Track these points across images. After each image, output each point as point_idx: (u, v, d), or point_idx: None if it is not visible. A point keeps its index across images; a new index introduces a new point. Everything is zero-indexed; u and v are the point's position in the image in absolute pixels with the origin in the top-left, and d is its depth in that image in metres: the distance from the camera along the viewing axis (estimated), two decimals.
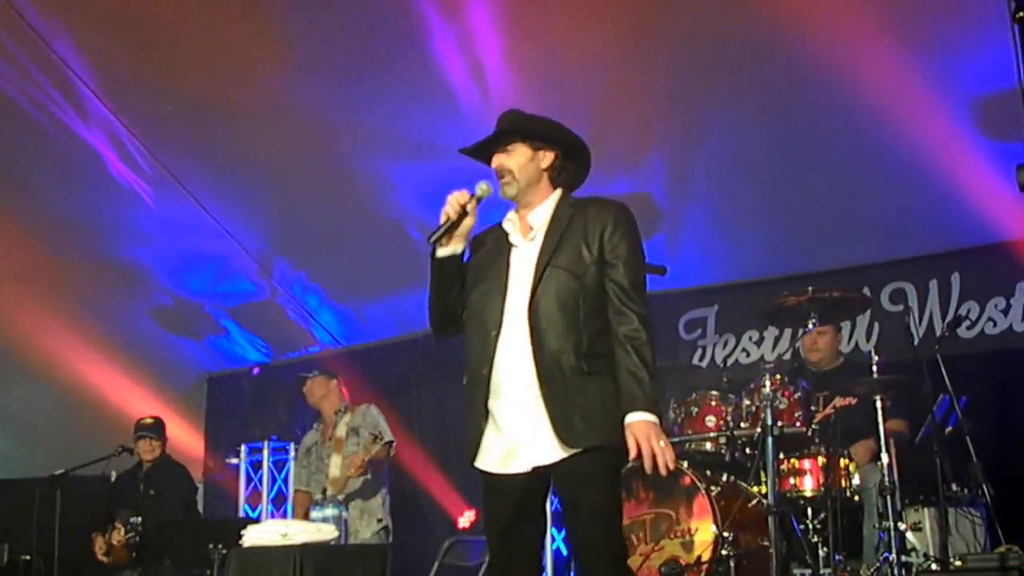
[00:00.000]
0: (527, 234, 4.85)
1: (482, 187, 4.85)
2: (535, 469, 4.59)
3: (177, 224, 10.80)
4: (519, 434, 4.63)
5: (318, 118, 9.37)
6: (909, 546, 7.35)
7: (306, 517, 8.85)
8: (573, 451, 4.50)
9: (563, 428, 4.50)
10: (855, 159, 8.79)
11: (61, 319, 11.69)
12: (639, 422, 4.44)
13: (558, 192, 4.92)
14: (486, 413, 4.72)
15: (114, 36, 8.82)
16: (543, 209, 4.88)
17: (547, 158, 4.88)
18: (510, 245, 4.87)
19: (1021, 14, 3.33)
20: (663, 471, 4.42)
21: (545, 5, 8.15)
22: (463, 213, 4.81)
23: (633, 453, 4.43)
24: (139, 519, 9.14)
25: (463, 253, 4.94)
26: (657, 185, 9.55)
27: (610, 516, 4.58)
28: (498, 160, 4.88)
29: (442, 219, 4.81)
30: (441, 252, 4.90)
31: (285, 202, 10.64)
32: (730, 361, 10.00)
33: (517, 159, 4.86)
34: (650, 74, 8.44)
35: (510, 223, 4.93)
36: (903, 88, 7.92)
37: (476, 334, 4.82)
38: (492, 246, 4.95)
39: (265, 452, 12.21)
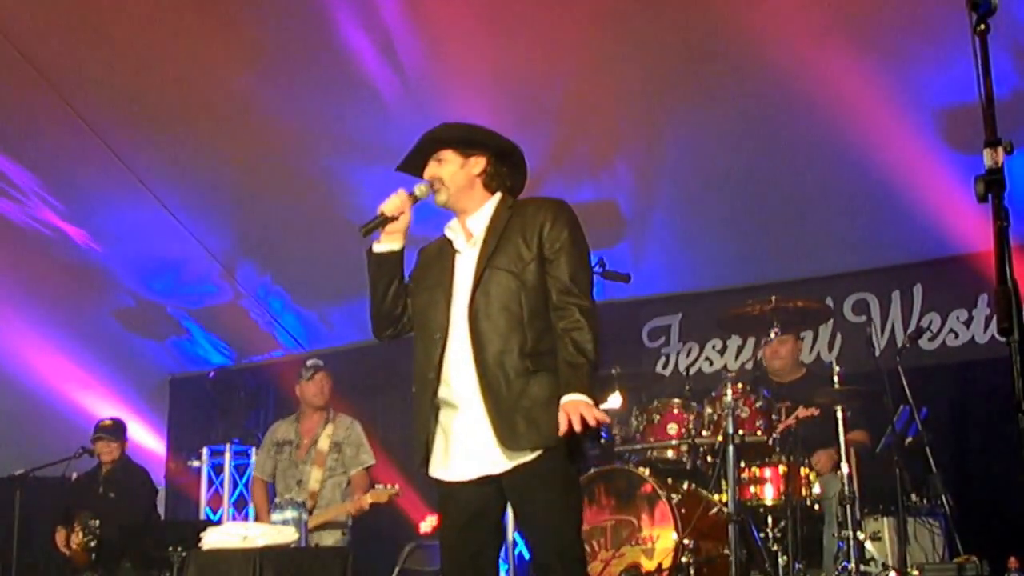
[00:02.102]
0: (469, 239, 4.83)
1: (421, 188, 4.86)
2: (483, 479, 4.56)
3: (140, 225, 10.75)
4: (465, 442, 4.61)
5: (282, 121, 9.35)
6: (868, 555, 7.40)
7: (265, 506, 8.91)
8: (519, 460, 4.47)
9: (506, 434, 4.47)
10: (819, 170, 8.83)
11: (22, 319, 11.64)
12: (569, 401, 4.39)
13: (496, 196, 4.89)
14: (435, 419, 4.70)
15: (76, 36, 8.79)
16: (482, 214, 4.85)
17: (478, 164, 4.86)
18: (454, 251, 4.85)
19: (982, 27, 3.35)
20: (592, 423, 4.37)
21: (511, 14, 8.15)
22: (400, 210, 4.81)
23: (562, 430, 4.36)
24: (97, 522, 9.05)
25: (401, 251, 4.92)
26: (622, 193, 9.58)
27: (564, 521, 4.54)
28: (429, 170, 4.87)
29: (377, 212, 4.82)
30: (377, 247, 4.91)
31: (249, 204, 10.61)
32: (693, 369, 10.04)
33: (448, 167, 4.84)
34: (616, 83, 8.46)
35: (451, 230, 4.91)
36: (868, 100, 7.96)
37: (421, 340, 4.81)
38: (437, 254, 4.93)
39: (227, 455, 12.16)
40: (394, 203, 4.82)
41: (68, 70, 9.14)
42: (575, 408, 4.36)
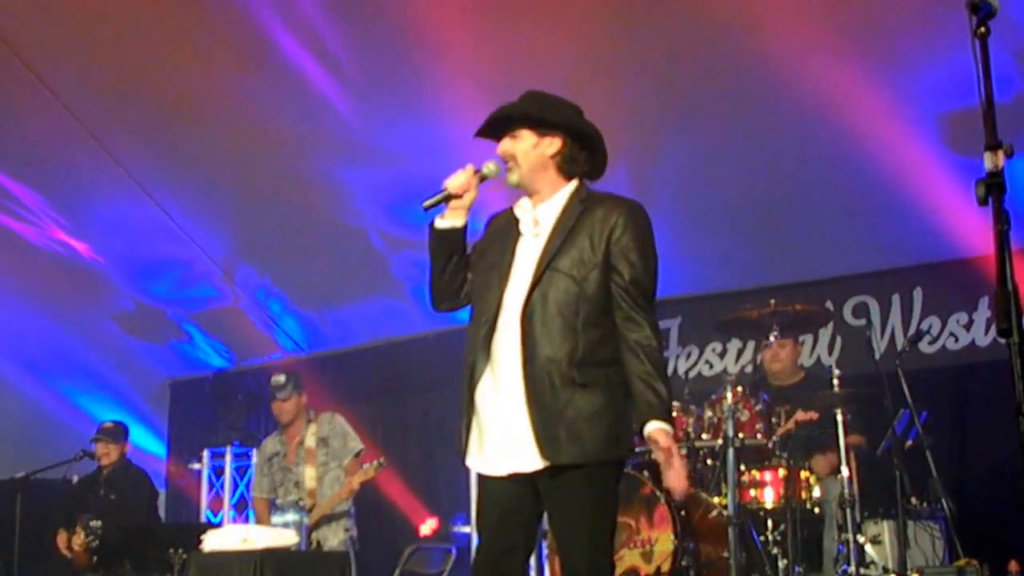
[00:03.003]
0: (535, 226, 4.62)
1: (489, 166, 4.66)
2: (514, 476, 4.42)
3: (140, 229, 10.76)
4: (500, 437, 4.46)
5: (280, 124, 9.35)
6: (868, 559, 7.39)
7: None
8: (559, 464, 4.33)
9: (545, 442, 4.31)
10: (819, 173, 8.83)
11: (22, 323, 11.66)
12: (659, 430, 4.29)
13: (572, 184, 4.68)
14: (471, 404, 4.56)
15: (75, 39, 8.78)
16: (553, 202, 4.63)
17: (553, 145, 4.62)
18: (518, 233, 4.65)
19: (982, 30, 3.35)
20: (675, 493, 4.39)
21: (509, 21, 8.15)
22: (465, 188, 4.62)
23: (667, 464, 4.29)
24: (99, 523, 9.06)
25: (463, 228, 4.71)
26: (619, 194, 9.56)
27: (595, 536, 4.39)
28: (502, 145, 4.66)
29: (442, 187, 4.63)
30: (439, 223, 4.69)
31: (248, 208, 10.61)
32: (692, 373, 10.02)
33: (521, 144, 4.61)
34: (614, 88, 8.43)
35: (520, 209, 4.71)
36: (867, 103, 7.95)
37: (473, 319, 4.65)
38: (503, 230, 4.73)
39: (227, 457, 12.19)
40: (459, 180, 4.62)
41: (66, 76, 9.14)
42: (668, 449, 4.30)
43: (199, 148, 9.75)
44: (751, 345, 9.83)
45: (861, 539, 7.24)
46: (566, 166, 4.66)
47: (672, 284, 10.31)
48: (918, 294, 9.38)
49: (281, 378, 9.27)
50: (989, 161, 3.20)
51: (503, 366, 4.47)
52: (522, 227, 4.66)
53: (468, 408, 4.57)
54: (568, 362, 4.35)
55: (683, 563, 7.36)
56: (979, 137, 3.26)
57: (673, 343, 10.48)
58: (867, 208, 8.94)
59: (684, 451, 7.83)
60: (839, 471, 7.32)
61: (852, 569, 7.06)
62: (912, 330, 9.22)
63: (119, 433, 10.01)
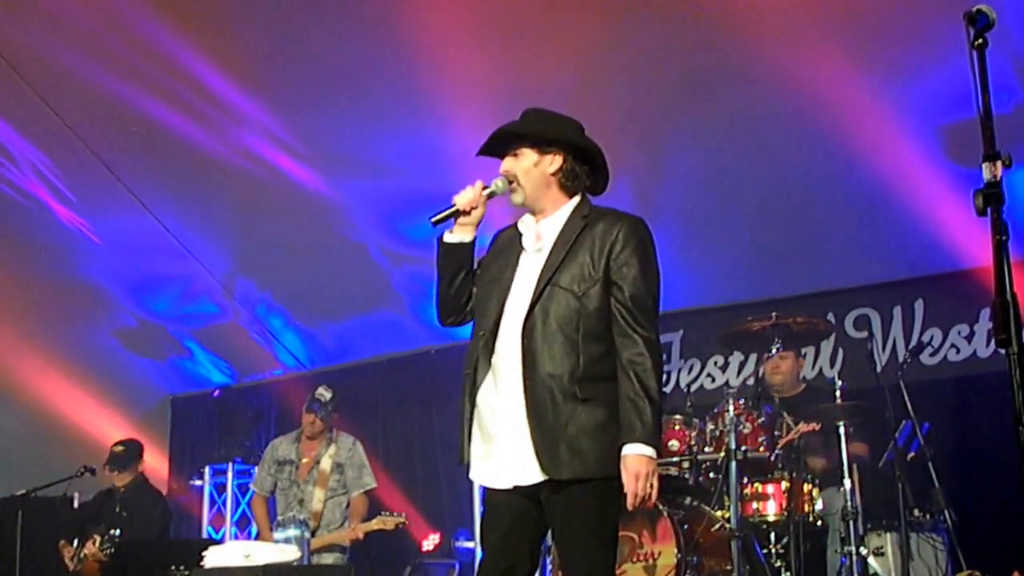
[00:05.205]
0: (538, 241, 4.65)
1: (497, 183, 4.69)
2: (517, 488, 4.43)
3: (139, 245, 10.76)
4: (502, 451, 4.47)
5: (280, 139, 9.35)
6: (871, 571, 7.38)
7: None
8: (558, 479, 4.34)
9: (547, 457, 4.32)
10: (820, 185, 8.82)
11: (24, 340, 11.65)
12: (635, 456, 4.27)
13: (574, 200, 4.72)
14: (471, 418, 4.58)
15: (73, 54, 8.78)
16: (556, 218, 4.67)
17: (555, 162, 4.66)
18: (521, 249, 4.69)
19: (980, 41, 3.35)
20: (651, 499, 4.33)
21: (510, 30, 8.15)
22: (473, 204, 4.67)
23: (627, 488, 4.26)
24: (117, 531, 9.06)
25: (471, 243, 4.77)
26: (621, 209, 9.54)
27: (597, 550, 4.39)
28: (505, 164, 4.71)
29: (451, 203, 4.68)
30: (447, 238, 4.75)
31: (248, 223, 10.61)
32: (695, 386, 10.01)
33: (523, 163, 4.66)
34: (615, 99, 8.45)
35: (524, 225, 4.75)
36: (869, 115, 7.96)
37: (474, 332, 4.69)
38: (506, 245, 4.78)
39: (229, 474, 12.17)
40: (467, 196, 4.67)
41: (63, 88, 9.14)
42: (635, 476, 4.27)
43: (198, 163, 9.73)
44: (753, 358, 9.82)
45: (864, 551, 7.22)
46: (568, 182, 4.70)
47: (674, 297, 10.30)
48: (919, 306, 9.37)
49: (327, 394, 9.31)
50: (987, 171, 3.20)
51: (504, 380, 4.48)
52: (525, 242, 4.69)
53: (468, 418, 4.59)
54: (569, 377, 4.37)
55: None
56: (979, 148, 3.26)
57: (675, 356, 10.47)
58: (868, 220, 8.93)
59: (687, 463, 7.84)
60: (841, 479, 7.31)
61: None
62: (913, 342, 9.21)
63: (130, 458, 10.01)
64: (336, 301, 11.53)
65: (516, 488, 4.45)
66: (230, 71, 8.82)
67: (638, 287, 4.46)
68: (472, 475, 4.63)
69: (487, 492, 4.62)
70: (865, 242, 9.21)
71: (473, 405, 4.58)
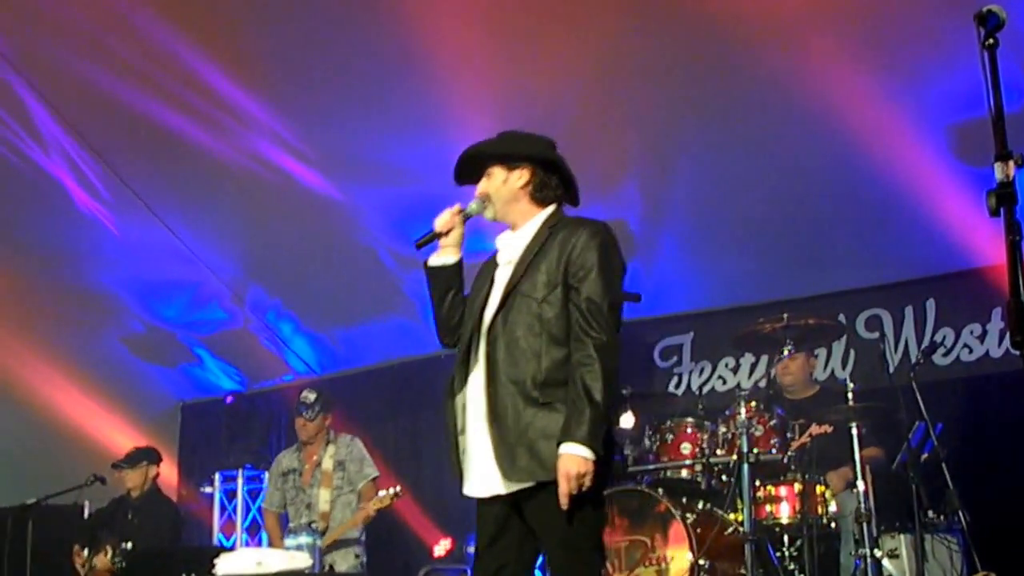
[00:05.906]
0: (509, 254, 4.81)
1: (472, 205, 4.87)
2: (495, 498, 4.55)
3: (148, 251, 10.74)
4: (478, 460, 4.61)
5: (290, 144, 9.34)
6: (886, 573, 7.35)
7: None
8: (520, 486, 4.45)
9: (506, 464, 4.44)
10: (830, 186, 8.79)
11: (32, 347, 11.63)
12: (566, 455, 4.31)
13: (547, 211, 4.85)
14: (456, 435, 4.74)
15: (80, 60, 8.77)
16: (526, 230, 4.82)
17: (522, 176, 4.82)
18: (497, 264, 4.87)
19: (991, 41, 3.33)
20: (584, 488, 4.33)
21: (521, 35, 8.14)
22: (450, 226, 4.84)
23: (560, 488, 4.30)
24: (129, 544, 9.06)
25: (456, 264, 4.92)
26: (632, 212, 9.54)
27: (576, 552, 4.47)
28: (480, 186, 4.89)
29: (432, 227, 4.85)
30: (432, 261, 4.92)
31: (258, 228, 10.59)
32: (706, 388, 9.97)
33: (494, 182, 4.84)
34: (625, 101, 8.44)
35: (500, 240, 4.92)
36: (879, 114, 7.92)
37: (458, 350, 4.82)
38: (489, 263, 4.95)
39: (239, 481, 12.17)
40: (444, 219, 4.86)
41: (71, 97, 9.13)
42: (565, 475, 4.29)
43: (207, 169, 9.72)
44: (764, 360, 9.79)
45: (878, 553, 7.19)
46: (538, 194, 4.86)
47: (685, 300, 10.32)
48: (931, 306, 9.32)
49: (311, 396, 9.31)
50: (1000, 171, 3.18)
51: (474, 393, 4.65)
52: (499, 257, 4.88)
53: (451, 434, 4.77)
54: (531, 383, 4.48)
55: None
56: (990, 148, 3.24)
57: (686, 358, 10.44)
58: (879, 220, 8.90)
59: (699, 467, 7.82)
60: (854, 486, 7.28)
61: None
62: (926, 342, 9.17)
63: (137, 457, 10.01)
64: (347, 306, 11.51)
65: (497, 497, 4.55)
66: (240, 76, 8.80)
67: (594, 290, 4.52)
68: (465, 488, 4.75)
69: (476, 501, 4.72)
70: (876, 242, 9.18)
71: (454, 421, 4.73)
